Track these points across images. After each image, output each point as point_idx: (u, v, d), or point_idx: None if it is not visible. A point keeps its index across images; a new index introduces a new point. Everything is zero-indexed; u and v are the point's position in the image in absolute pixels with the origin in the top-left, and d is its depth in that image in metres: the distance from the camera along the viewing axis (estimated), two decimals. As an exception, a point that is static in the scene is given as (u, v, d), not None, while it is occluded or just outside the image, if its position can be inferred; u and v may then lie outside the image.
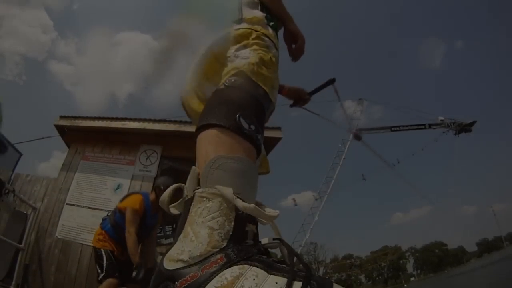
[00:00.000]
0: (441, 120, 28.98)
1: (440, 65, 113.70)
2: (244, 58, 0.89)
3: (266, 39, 0.97)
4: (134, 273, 2.63)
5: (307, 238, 27.56)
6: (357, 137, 24.93)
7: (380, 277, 62.16)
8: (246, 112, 0.71)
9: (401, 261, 62.45)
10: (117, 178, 4.97)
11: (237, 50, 0.93)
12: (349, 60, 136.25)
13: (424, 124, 29.16)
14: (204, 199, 0.58)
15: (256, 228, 0.61)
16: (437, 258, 60.69)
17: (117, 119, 5.35)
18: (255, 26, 1.00)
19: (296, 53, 1.28)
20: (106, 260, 2.79)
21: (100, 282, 2.73)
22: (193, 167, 0.67)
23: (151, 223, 3.08)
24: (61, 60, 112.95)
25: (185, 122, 5.24)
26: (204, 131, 0.70)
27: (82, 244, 4.41)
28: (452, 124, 28.44)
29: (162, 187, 2.94)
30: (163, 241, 6.59)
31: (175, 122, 5.33)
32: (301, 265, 0.53)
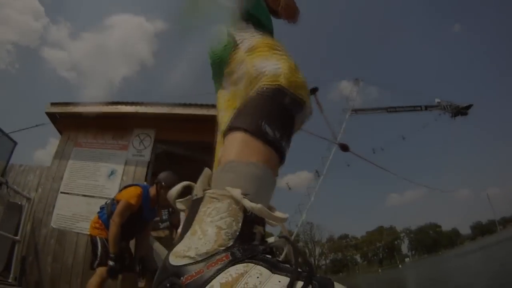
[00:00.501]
0: (438, 102, 28.94)
1: (438, 48, 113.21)
2: (274, 65, 0.83)
3: (279, 45, 0.93)
4: (109, 262, 2.65)
5: (303, 219, 27.94)
6: (344, 148, 23.29)
7: (375, 257, 63.74)
8: (271, 119, 0.72)
9: (396, 242, 63.92)
10: (111, 164, 4.87)
11: (260, 63, 0.86)
12: (345, 40, 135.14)
13: (420, 106, 29.17)
14: (214, 199, 0.60)
15: (264, 229, 0.62)
16: (431, 239, 62.17)
17: (109, 103, 5.22)
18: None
19: (288, 12, 1.19)
20: (101, 248, 2.81)
21: (94, 269, 2.75)
22: (206, 168, 0.71)
23: (149, 217, 3.10)
24: (53, 46, 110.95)
25: (178, 104, 5.12)
26: (231, 133, 0.72)
27: (78, 233, 4.34)
28: (448, 106, 28.45)
29: (163, 183, 2.97)
30: (160, 225, 6.60)
31: (168, 104, 5.17)
32: (304, 264, 0.54)
